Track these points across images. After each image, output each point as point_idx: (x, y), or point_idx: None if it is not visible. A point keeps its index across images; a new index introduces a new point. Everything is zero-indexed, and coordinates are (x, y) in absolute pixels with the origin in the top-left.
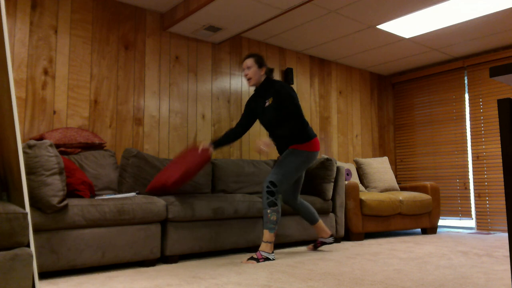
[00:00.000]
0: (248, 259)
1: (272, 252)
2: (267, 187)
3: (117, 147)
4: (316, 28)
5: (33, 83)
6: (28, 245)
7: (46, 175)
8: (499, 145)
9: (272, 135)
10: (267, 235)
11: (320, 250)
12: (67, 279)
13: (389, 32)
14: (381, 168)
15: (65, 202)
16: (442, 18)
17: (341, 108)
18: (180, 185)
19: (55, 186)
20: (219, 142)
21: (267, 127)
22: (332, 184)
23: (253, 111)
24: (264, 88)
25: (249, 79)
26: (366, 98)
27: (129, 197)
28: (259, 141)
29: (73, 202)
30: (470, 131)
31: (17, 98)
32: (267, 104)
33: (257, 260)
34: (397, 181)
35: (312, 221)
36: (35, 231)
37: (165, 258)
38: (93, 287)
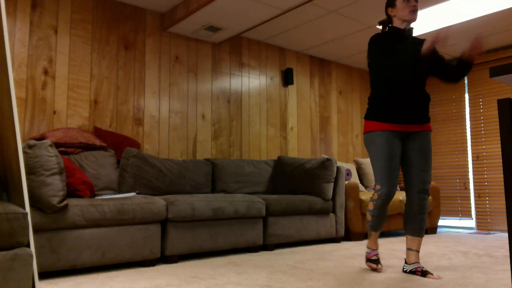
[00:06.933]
0: (427, 275)
1: None
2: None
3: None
4: (316, 28)
5: (33, 83)
6: (28, 245)
7: (46, 175)
8: (499, 145)
9: (404, 95)
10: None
11: (320, 250)
12: (67, 279)
13: None
14: None
15: (65, 202)
16: (442, 18)
17: (341, 108)
18: None
19: (55, 186)
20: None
21: (404, 82)
22: (332, 184)
23: (383, 55)
24: (411, 33)
25: (415, 11)
26: (366, 98)
27: (129, 197)
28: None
29: (73, 202)
30: (470, 131)
31: (17, 98)
32: (417, 52)
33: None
34: None
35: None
36: (35, 231)
37: (165, 258)
38: (93, 287)
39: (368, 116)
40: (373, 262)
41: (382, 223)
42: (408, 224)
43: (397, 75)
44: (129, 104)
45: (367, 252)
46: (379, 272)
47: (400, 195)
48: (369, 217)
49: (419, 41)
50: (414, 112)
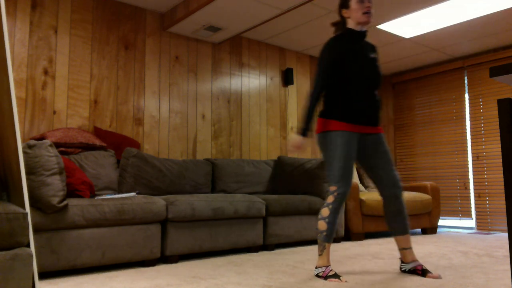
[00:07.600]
0: (427, 274)
1: None
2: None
3: None
4: (316, 28)
5: (33, 83)
6: (28, 245)
7: (46, 175)
8: (499, 145)
9: (365, 97)
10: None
11: None
12: (67, 279)
13: (389, 32)
14: None
15: (65, 202)
16: (442, 18)
17: None
18: None
19: (55, 186)
20: (309, 127)
21: (365, 84)
22: None
23: (344, 57)
24: (365, 37)
25: (370, 14)
26: None
27: (129, 197)
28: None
29: (73, 202)
30: (470, 131)
31: (17, 98)
32: (372, 56)
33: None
34: None
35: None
36: (35, 231)
37: (165, 258)
38: (93, 287)
39: (329, 115)
40: (335, 276)
41: (335, 231)
42: (392, 224)
43: (361, 78)
44: (129, 104)
45: (321, 271)
46: (344, 282)
47: None
48: (323, 226)
49: (371, 45)
50: (375, 114)
